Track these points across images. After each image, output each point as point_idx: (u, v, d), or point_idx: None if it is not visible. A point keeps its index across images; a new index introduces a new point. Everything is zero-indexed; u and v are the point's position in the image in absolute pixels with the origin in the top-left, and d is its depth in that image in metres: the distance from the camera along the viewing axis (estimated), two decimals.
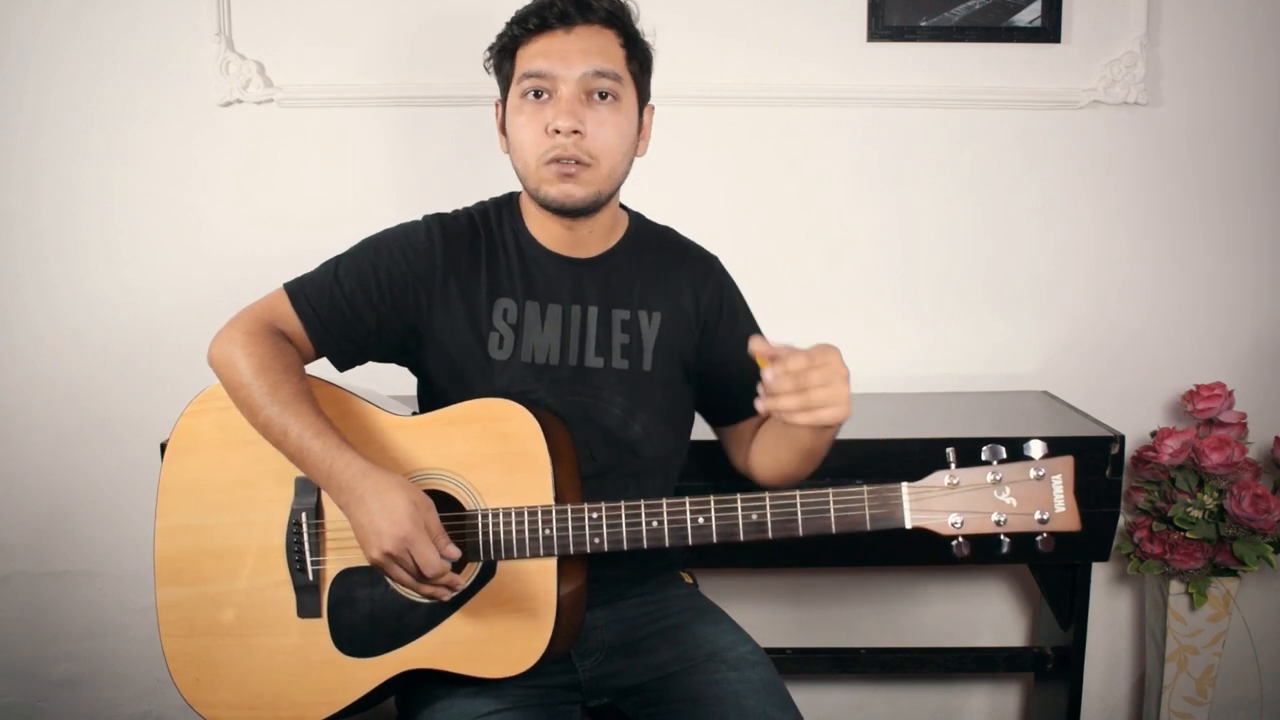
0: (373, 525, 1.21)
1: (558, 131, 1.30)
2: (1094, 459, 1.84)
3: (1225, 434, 2.07)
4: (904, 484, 1.20)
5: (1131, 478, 2.18)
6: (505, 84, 1.38)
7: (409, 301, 1.37)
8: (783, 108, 2.15)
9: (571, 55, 1.31)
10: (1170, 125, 2.17)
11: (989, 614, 2.32)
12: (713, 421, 1.53)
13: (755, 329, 1.51)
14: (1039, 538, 1.20)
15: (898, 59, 2.14)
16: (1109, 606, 2.32)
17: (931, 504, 1.19)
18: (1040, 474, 1.18)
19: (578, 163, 1.31)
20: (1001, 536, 1.20)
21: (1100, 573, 2.27)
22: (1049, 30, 2.12)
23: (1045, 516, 1.18)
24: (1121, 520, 2.13)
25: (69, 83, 2.11)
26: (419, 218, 1.43)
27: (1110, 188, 2.19)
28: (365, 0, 2.11)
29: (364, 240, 1.41)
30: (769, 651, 1.44)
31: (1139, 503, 2.14)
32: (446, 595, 1.25)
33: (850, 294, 2.21)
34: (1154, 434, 2.13)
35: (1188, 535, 2.04)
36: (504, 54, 1.37)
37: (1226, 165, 2.18)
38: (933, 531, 1.19)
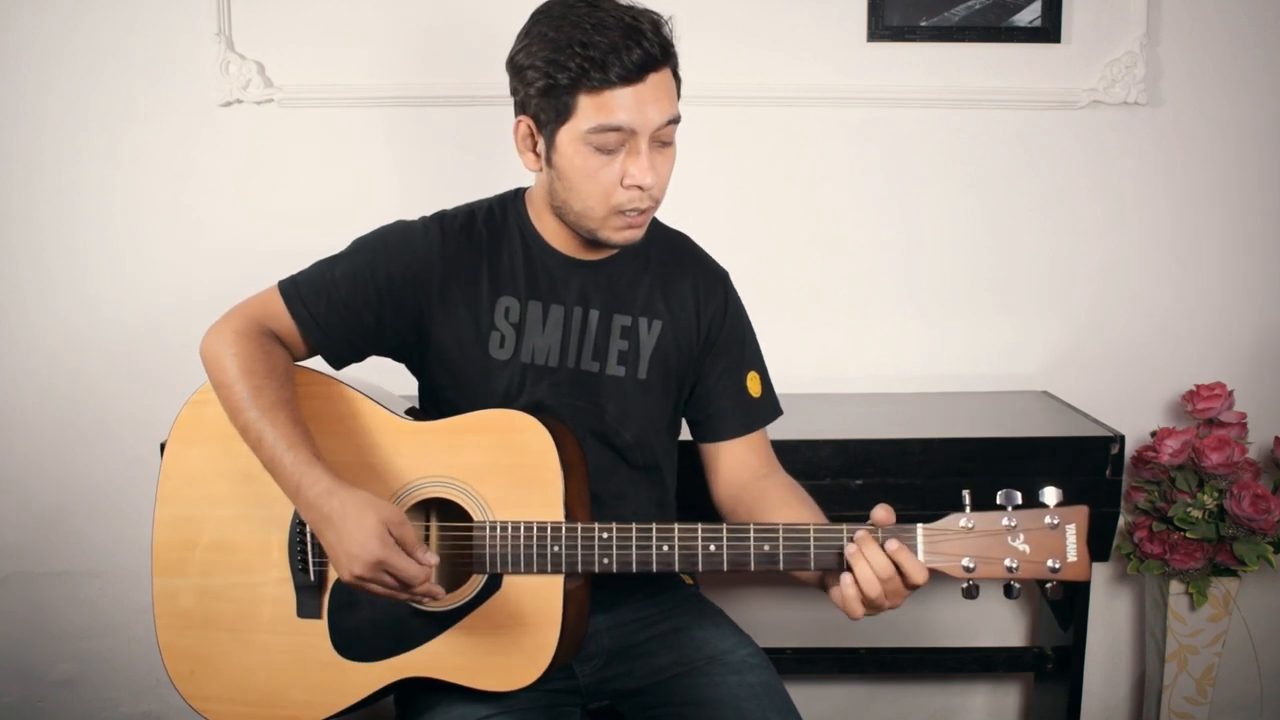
0: (343, 548, 1.19)
1: (639, 187, 1.27)
2: (1094, 459, 1.84)
3: (1225, 434, 2.07)
4: (919, 525, 1.19)
5: (1131, 478, 2.18)
6: (556, 115, 1.26)
7: (408, 301, 1.36)
8: (783, 108, 2.15)
9: (650, 109, 1.24)
10: (1170, 125, 2.17)
11: (989, 614, 2.32)
12: (693, 435, 1.51)
13: (752, 357, 1.49)
14: (1048, 585, 1.19)
15: (898, 59, 2.13)
16: (1109, 606, 2.32)
17: (945, 547, 1.19)
18: (1055, 523, 1.18)
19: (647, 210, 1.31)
20: (1012, 582, 1.19)
21: (1100, 573, 2.27)
22: (1049, 30, 2.12)
23: (1057, 565, 1.17)
24: (1121, 520, 2.13)
25: (69, 83, 2.11)
26: (415, 218, 1.42)
27: (1110, 188, 2.19)
28: (365, 1, 2.11)
29: (359, 240, 1.40)
30: (769, 652, 1.44)
31: (1139, 503, 2.14)
32: (429, 604, 1.23)
33: (850, 294, 2.21)
34: (1154, 434, 2.13)
35: (1188, 535, 2.04)
36: (560, 89, 1.24)
37: (1226, 165, 2.18)
38: (944, 573, 1.19)
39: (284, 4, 2.10)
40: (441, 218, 1.41)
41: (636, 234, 1.33)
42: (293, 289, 1.36)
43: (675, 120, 1.28)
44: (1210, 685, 2.15)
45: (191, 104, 2.12)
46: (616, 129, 1.24)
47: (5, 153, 2.13)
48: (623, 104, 1.23)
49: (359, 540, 1.18)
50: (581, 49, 1.21)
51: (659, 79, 1.25)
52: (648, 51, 1.22)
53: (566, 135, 1.26)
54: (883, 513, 1.20)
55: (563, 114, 1.25)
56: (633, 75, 1.22)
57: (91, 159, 2.14)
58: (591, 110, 1.23)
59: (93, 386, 2.20)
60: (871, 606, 1.20)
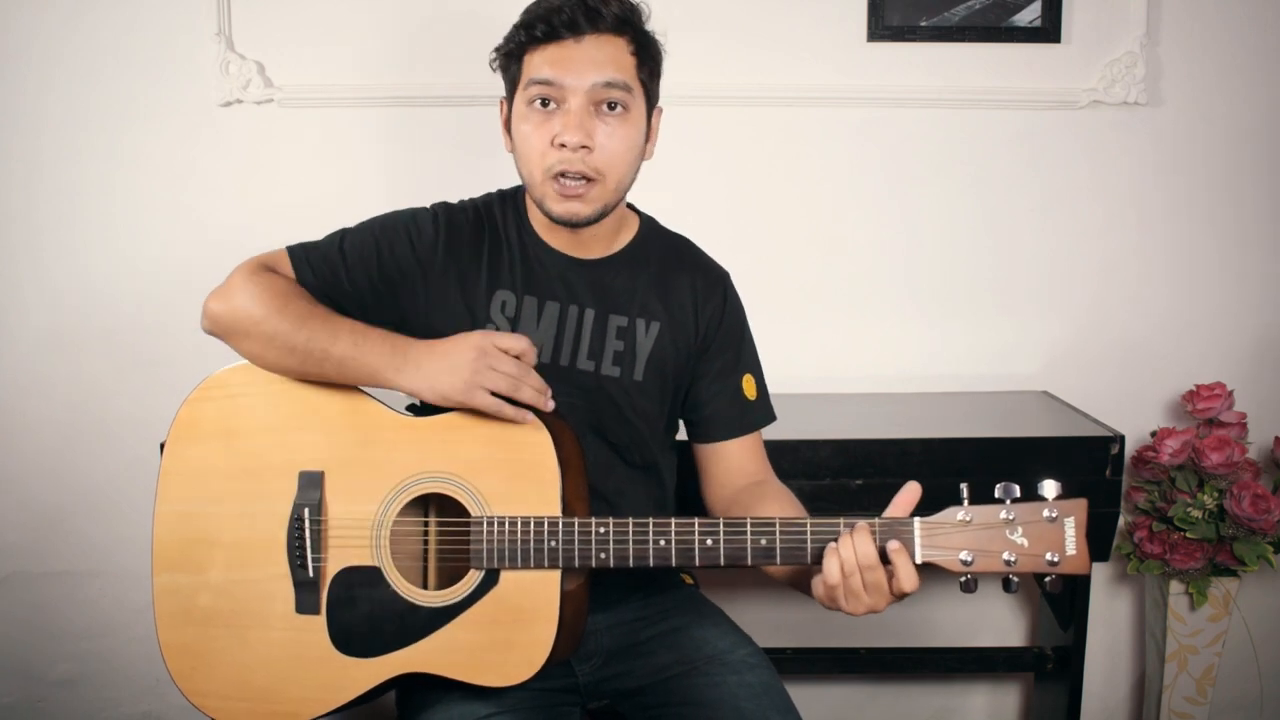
0: (449, 363, 1.24)
1: (564, 145, 1.28)
2: (1094, 459, 1.84)
3: (1225, 434, 2.07)
4: (916, 519, 1.19)
5: (1131, 478, 2.18)
6: (512, 86, 1.35)
7: (406, 285, 1.37)
8: (783, 108, 2.15)
9: (580, 66, 1.27)
10: (1170, 125, 2.17)
11: (989, 614, 2.32)
12: (688, 435, 1.51)
13: (749, 360, 1.49)
14: (1047, 578, 1.18)
15: (898, 59, 2.14)
16: (1109, 606, 2.32)
17: (942, 540, 1.18)
18: (1053, 515, 1.17)
19: (585, 180, 1.30)
20: (1010, 576, 1.19)
21: (1100, 573, 2.27)
22: (1049, 30, 2.12)
23: (1056, 558, 1.17)
24: (1121, 520, 2.13)
25: (69, 83, 2.11)
26: (428, 205, 1.43)
27: (1110, 188, 2.19)
28: (366, 1, 2.11)
29: (373, 218, 1.42)
30: (769, 651, 1.44)
31: (1139, 503, 2.14)
32: (546, 401, 1.27)
33: (850, 294, 2.21)
34: (1154, 434, 2.13)
35: (1188, 535, 2.04)
36: (510, 57, 1.33)
37: (1226, 165, 2.18)
38: (942, 567, 1.18)
39: (284, 4, 2.10)
40: (449, 209, 1.42)
41: (575, 207, 1.31)
42: (301, 253, 1.38)
43: (619, 86, 1.29)
44: (1210, 685, 2.15)
45: (191, 104, 2.12)
46: (546, 82, 1.28)
47: (5, 153, 2.13)
48: (553, 58, 1.29)
49: (457, 344, 1.25)
50: (536, 18, 1.29)
51: (602, 42, 1.29)
52: (588, 15, 1.27)
53: (517, 101, 1.33)
54: (908, 495, 1.19)
55: (516, 81, 1.33)
56: (561, 34, 1.28)
57: (91, 159, 2.14)
58: (531, 68, 1.30)
59: (93, 386, 2.20)
60: (852, 598, 1.18)
